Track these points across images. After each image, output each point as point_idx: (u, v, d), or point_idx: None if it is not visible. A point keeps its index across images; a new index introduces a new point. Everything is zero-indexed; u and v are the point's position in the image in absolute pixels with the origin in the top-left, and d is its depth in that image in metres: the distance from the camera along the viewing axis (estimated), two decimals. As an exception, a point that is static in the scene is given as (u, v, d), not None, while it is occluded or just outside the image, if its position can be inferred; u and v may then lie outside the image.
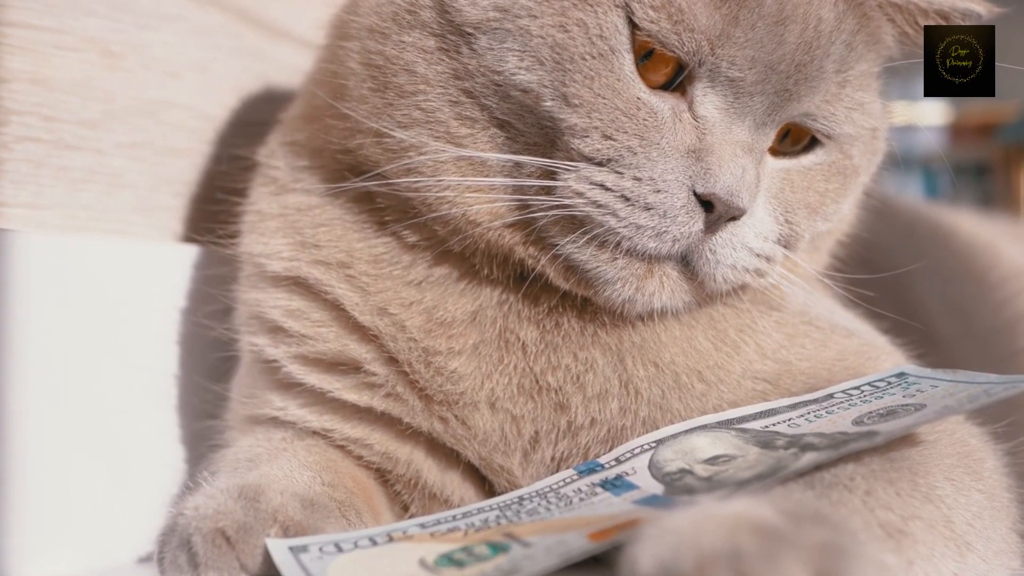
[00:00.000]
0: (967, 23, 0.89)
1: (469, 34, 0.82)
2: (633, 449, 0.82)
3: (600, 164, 0.80)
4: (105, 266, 1.01)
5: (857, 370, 0.90)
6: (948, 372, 0.83)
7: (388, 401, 0.89)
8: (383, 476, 0.92)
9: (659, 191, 0.79)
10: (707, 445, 0.80)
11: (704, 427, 0.82)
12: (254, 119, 1.09)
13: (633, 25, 0.80)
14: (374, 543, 0.73)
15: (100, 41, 1.05)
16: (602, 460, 0.83)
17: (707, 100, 0.81)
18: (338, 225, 0.92)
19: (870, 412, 0.79)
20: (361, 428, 0.91)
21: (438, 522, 0.78)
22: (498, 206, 0.84)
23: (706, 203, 0.80)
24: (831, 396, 0.84)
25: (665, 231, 0.80)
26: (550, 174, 0.82)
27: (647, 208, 0.80)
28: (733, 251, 0.83)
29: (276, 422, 0.94)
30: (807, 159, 0.88)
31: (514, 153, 0.83)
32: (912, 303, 1.35)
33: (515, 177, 0.83)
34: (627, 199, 0.80)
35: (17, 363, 0.92)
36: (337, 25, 0.95)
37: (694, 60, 0.80)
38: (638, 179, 0.79)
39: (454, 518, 0.78)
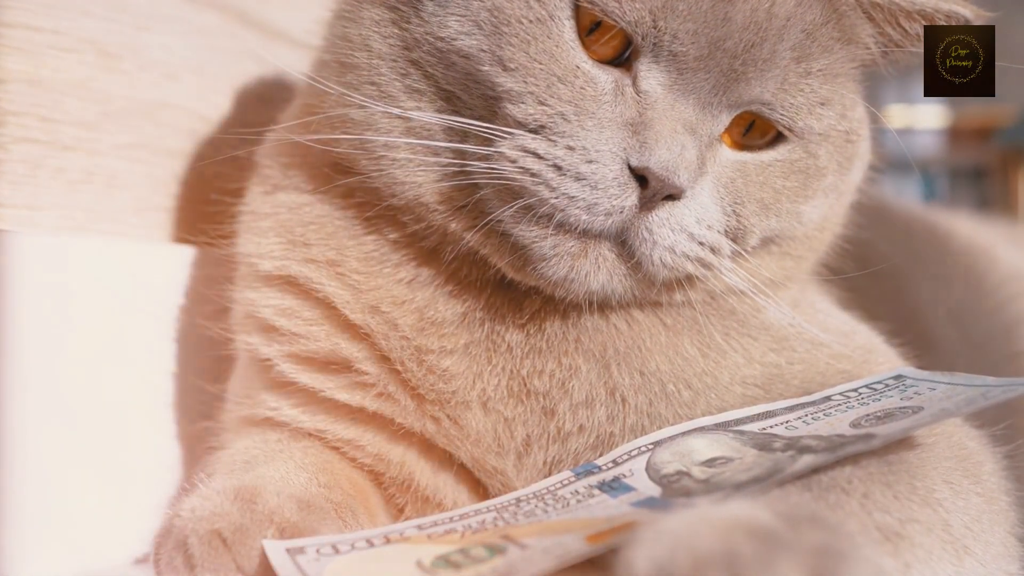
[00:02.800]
0: (952, 25, 0.87)
1: (418, 0, 0.84)
2: (630, 451, 0.82)
3: (535, 132, 0.80)
4: (102, 267, 1.01)
5: (853, 373, 0.89)
6: (946, 375, 0.83)
7: (380, 401, 0.89)
8: (377, 479, 0.92)
9: (591, 161, 0.79)
10: (704, 447, 0.80)
11: (702, 429, 0.82)
12: (251, 120, 1.08)
13: None
14: (371, 545, 0.73)
15: (97, 42, 1.04)
16: (599, 462, 0.83)
17: (651, 75, 0.81)
18: (327, 223, 0.92)
19: (868, 415, 0.79)
20: (353, 429, 0.91)
21: (435, 524, 0.78)
22: (444, 185, 0.85)
23: (641, 178, 0.79)
24: (828, 398, 0.83)
25: (596, 203, 0.79)
26: (490, 142, 0.82)
27: (578, 178, 0.79)
28: (671, 232, 0.81)
29: (271, 423, 0.94)
30: (768, 154, 0.86)
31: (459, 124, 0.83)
32: (909, 306, 1.35)
33: (457, 143, 0.83)
34: (559, 168, 0.79)
35: (14, 364, 0.92)
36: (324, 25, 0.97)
37: (637, 32, 0.79)
38: (571, 148, 0.79)
39: (451, 520, 0.78)
